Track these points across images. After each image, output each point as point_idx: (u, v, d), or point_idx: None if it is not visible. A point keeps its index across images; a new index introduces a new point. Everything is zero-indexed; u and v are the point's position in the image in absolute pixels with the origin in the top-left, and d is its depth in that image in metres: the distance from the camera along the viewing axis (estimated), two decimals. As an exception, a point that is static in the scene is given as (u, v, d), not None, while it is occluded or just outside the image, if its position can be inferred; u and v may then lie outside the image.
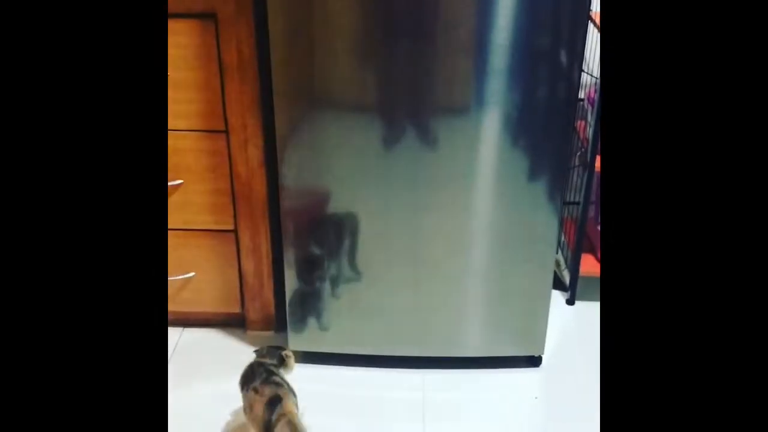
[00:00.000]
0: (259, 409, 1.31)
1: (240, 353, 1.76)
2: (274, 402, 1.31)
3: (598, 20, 1.85)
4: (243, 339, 1.82)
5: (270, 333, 1.82)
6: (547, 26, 1.41)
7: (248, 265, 1.73)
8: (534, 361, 1.73)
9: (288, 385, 1.38)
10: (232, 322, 1.84)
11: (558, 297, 1.99)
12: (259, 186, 1.63)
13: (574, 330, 1.88)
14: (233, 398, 1.61)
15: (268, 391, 1.33)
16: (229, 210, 1.66)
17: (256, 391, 1.34)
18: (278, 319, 1.81)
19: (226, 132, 1.58)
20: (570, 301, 1.97)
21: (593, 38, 1.85)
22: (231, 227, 1.68)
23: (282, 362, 1.44)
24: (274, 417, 1.29)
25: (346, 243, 1.59)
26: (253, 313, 1.80)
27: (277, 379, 1.37)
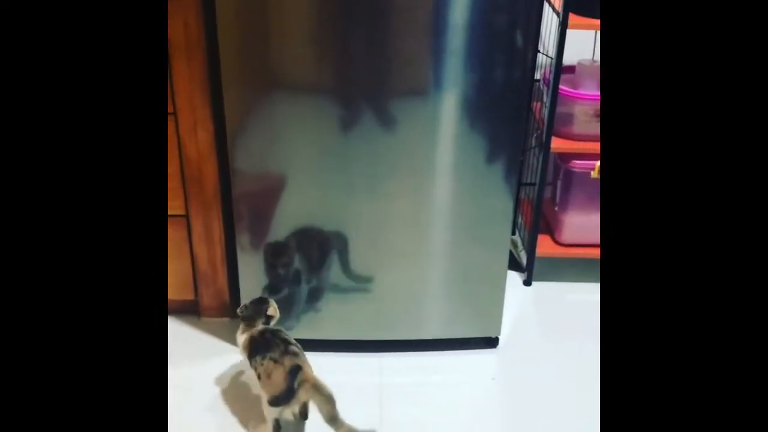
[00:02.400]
0: (279, 377, 1.36)
1: (195, 340, 1.73)
2: (294, 371, 1.36)
3: (553, 0, 1.84)
4: (198, 326, 1.78)
5: (225, 320, 1.79)
6: (502, 7, 1.40)
7: (201, 252, 1.69)
8: (491, 342, 1.74)
9: (303, 353, 1.42)
10: (186, 309, 1.80)
11: (515, 278, 1.99)
12: (210, 170, 1.59)
13: (531, 310, 1.89)
14: (191, 384, 1.59)
15: (287, 362, 1.37)
16: (179, 195, 1.62)
17: (275, 361, 1.38)
18: (233, 306, 1.77)
19: (175, 114, 1.53)
20: (527, 282, 1.98)
21: (548, 18, 1.84)
22: (182, 212, 1.64)
23: (269, 319, 1.49)
24: (296, 384, 1.35)
25: (300, 227, 1.56)
26: (207, 300, 1.77)
27: (294, 349, 1.41)
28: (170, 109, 1.53)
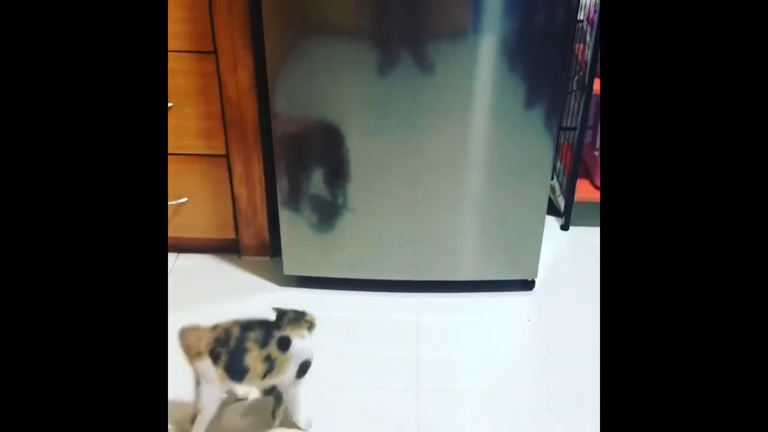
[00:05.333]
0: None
1: (235, 278, 1.78)
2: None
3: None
4: (238, 264, 1.82)
5: (265, 258, 1.83)
6: (546, -56, 1.36)
7: (241, 191, 1.72)
8: (527, 285, 1.75)
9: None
10: (226, 248, 1.84)
11: (553, 222, 1.99)
12: (250, 110, 1.60)
13: (567, 255, 1.89)
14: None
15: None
16: (220, 135, 1.63)
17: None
18: (273, 245, 1.81)
19: (215, 53, 1.54)
20: (564, 227, 1.98)
21: (595, -44, 1.78)
22: (223, 152, 1.66)
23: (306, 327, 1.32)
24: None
25: (340, 169, 1.57)
26: (247, 239, 1.80)
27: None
28: (211, 48, 1.53)
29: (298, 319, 1.31)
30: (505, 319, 1.67)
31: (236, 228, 1.78)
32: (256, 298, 1.71)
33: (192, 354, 1.25)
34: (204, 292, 1.72)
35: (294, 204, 1.62)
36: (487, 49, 1.44)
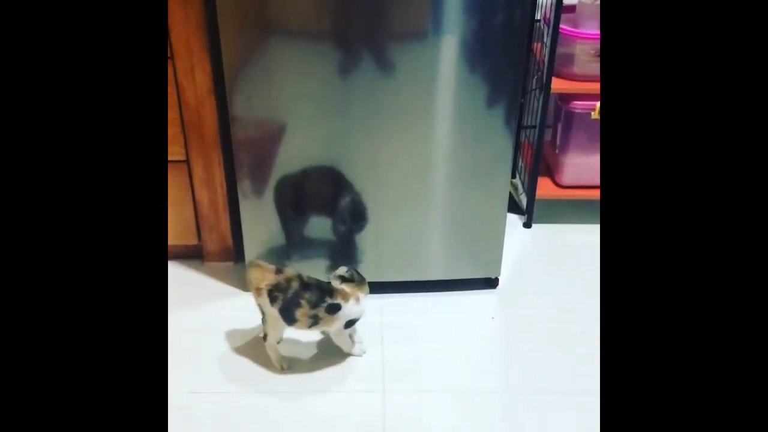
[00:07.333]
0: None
1: (198, 285, 1.76)
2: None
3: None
4: (201, 270, 1.81)
5: (229, 264, 1.82)
6: (501, -56, 1.37)
7: (202, 197, 1.70)
8: (491, 283, 1.76)
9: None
10: (189, 254, 1.83)
11: (515, 220, 2.01)
12: (210, 115, 1.59)
13: (530, 252, 1.91)
14: (194, 329, 1.62)
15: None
16: (179, 140, 1.62)
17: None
18: (236, 250, 1.80)
19: (172, 59, 1.52)
20: (527, 225, 2.00)
21: (550, -44, 1.80)
22: (183, 158, 1.64)
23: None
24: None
25: (302, 172, 1.57)
26: (210, 245, 1.79)
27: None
28: (167, 53, 1.52)
29: (362, 282, 1.47)
30: (470, 318, 1.68)
31: (198, 234, 1.76)
32: (220, 303, 1.70)
33: (253, 288, 1.43)
34: (169, 300, 1.69)
35: (256, 208, 1.61)
36: (447, 50, 1.45)
